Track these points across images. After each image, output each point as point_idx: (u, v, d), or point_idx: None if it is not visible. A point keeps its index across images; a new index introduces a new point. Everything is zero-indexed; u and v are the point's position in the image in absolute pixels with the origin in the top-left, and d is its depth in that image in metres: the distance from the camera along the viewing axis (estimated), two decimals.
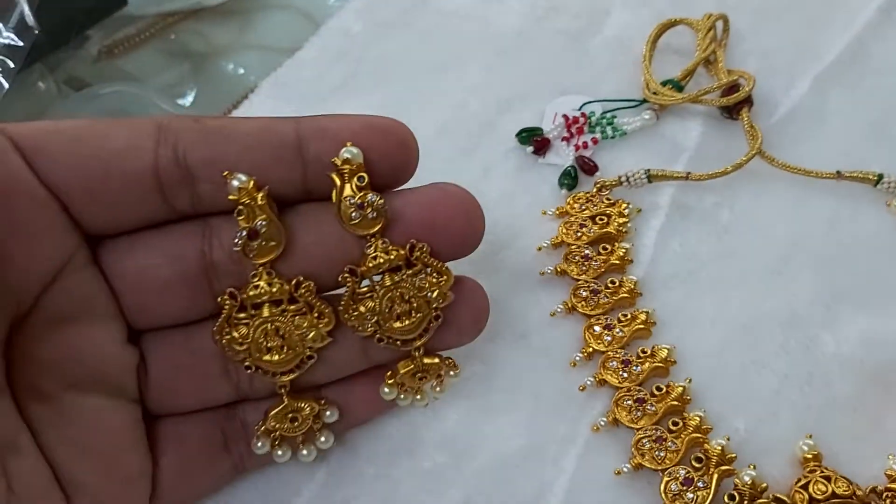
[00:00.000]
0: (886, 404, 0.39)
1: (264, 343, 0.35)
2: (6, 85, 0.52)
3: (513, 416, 0.40)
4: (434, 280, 0.35)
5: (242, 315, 0.34)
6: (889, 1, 0.54)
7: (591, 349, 0.41)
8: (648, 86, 0.49)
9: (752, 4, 0.55)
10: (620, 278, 0.43)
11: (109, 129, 0.32)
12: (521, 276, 0.44)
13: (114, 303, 0.34)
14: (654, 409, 0.38)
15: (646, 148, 0.49)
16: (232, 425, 0.37)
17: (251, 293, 0.34)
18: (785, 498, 0.36)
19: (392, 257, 0.34)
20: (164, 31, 0.64)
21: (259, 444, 0.36)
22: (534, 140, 0.49)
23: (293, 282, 0.34)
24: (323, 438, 0.38)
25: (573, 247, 0.44)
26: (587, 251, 0.44)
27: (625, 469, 0.37)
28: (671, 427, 0.38)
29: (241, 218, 0.33)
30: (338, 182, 0.34)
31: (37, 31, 0.53)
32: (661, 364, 0.40)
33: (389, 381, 0.37)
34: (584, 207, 0.46)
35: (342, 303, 0.35)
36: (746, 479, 0.36)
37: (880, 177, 0.45)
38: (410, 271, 0.35)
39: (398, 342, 0.36)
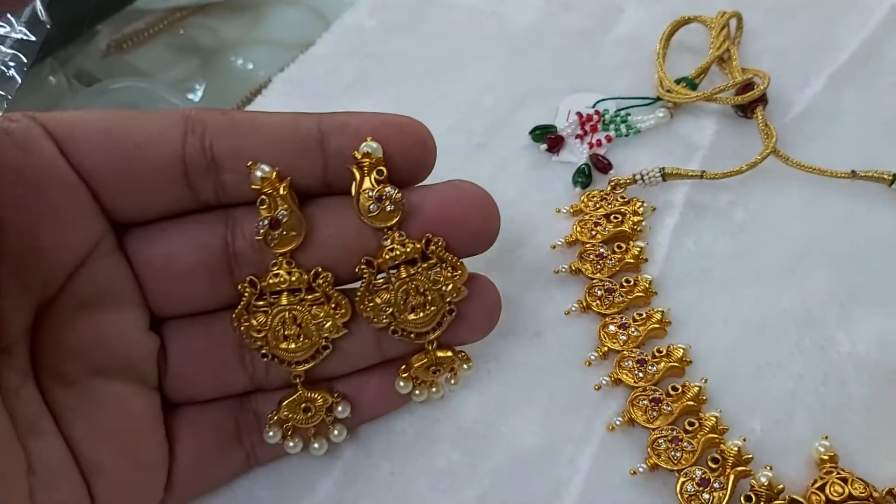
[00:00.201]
0: None
1: (281, 331, 0.35)
2: (19, 79, 0.52)
3: (528, 415, 0.40)
4: (449, 274, 0.36)
5: (261, 303, 0.35)
6: None
7: (606, 348, 0.41)
8: (662, 83, 0.49)
9: (767, 2, 0.55)
10: (635, 277, 0.43)
11: (138, 118, 0.33)
12: (535, 274, 0.44)
13: (138, 289, 0.35)
14: (669, 409, 0.38)
15: (660, 146, 0.49)
16: (246, 416, 0.37)
17: (271, 281, 0.35)
18: (801, 499, 0.36)
19: (408, 250, 0.35)
20: (173, 26, 0.64)
21: (271, 433, 0.37)
22: (547, 138, 0.49)
23: (312, 272, 0.35)
24: (336, 432, 0.38)
25: (588, 245, 0.44)
26: (602, 249, 0.44)
27: (640, 469, 0.37)
28: (687, 427, 0.38)
29: (263, 207, 0.34)
30: (357, 175, 0.34)
31: (49, 26, 0.53)
32: (676, 364, 0.40)
33: (404, 375, 0.38)
34: (598, 206, 0.45)
35: (358, 293, 0.36)
36: (763, 480, 0.36)
37: (895, 176, 0.45)
38: (426, 264, 0.36)
39: (412, 335, 0.37)
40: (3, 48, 0.52)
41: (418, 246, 0.35)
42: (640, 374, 0.40)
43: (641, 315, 0.42)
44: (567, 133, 0.49)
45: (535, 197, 0.47)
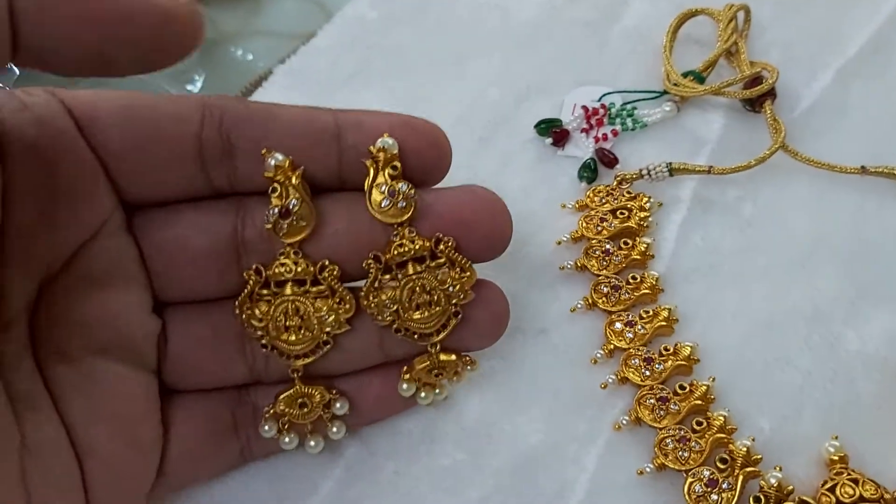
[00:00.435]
0: None
1: (283, 322, 0.35)
2: (17, 71, 0.51)
3: (532, 414, 0.39)
4: (456, 275, 0.35)
5: (265, 292, 0.35)
6: None
7: (612, 346, 0.40)
8: (669, 77, 0.49)
9: None
10: (642, 273, 0.42)
11: (158, 100, 0.33)
12: (540, 271, 0.44)
13: (143, 271, 0.34)
14: (677, 408, 0.38)
15: (666, 140, 0.48)
16: (243, 409, 0.37)
17: (276, 270, 0.34)
18: (811, 501, 0.35)
19: (417, 246, 0.35)
20: None
21: (266, 427, 0.36)
22: (553, 132, 0.48)
23: (318, 264, 0.35)
24: (335, 429, 0.37)
25: (593, 241, 0.43)
26: (608, 246, 0.43)
27: (647, 469, 0.37)
28: (695, 427, 0.37)
29: (274, 195, 0.34)
30: (371, 169, 0.34)
31: None
32: (684, 362, 0.39)
33: (406, 377, 0.37)
34: (604, 201, 0.45)
35: (363, 289, 0.35)
36: (773, 481, 0.35)
37: None
38: (434, 263, 0.35)
39: (415, 335, 0.36)
40: None
41: (427, 244, 0.35)
42: (647, 373, 0.39)
43: (648, 312, 0.41)
44: (572, 127, 0.48)
45: (540, 192, 0.47)
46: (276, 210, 0.34)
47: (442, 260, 0.35)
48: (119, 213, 0.34)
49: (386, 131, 0.34)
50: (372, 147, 0.34)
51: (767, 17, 0.53)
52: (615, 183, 0.46)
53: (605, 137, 0.48)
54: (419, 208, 0.35)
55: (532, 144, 0.49)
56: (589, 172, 0.46)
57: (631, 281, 0.42)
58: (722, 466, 0.36)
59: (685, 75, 0.49)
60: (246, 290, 0.35)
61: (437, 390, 0.38)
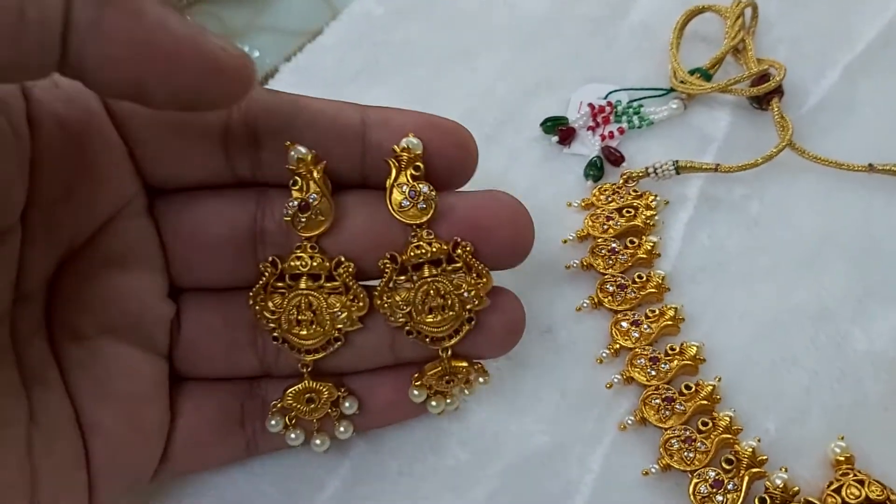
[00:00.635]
0: None
1: (295, 316, 0.35)
2: None
3: (538, 413, 0.39)
4: (472, 280, 0.35)
5: (280, 284, 0.35)
6: None
7: (618, 346, 0.40)
8: (676, 74, 0.49)
9: None
10: (648, 273, 0.42)
11: None
12: (546, 270, 0.43)
13: (161, 255, 0.35)
14: (682, 408, 0.38)
15: (673, 138, 0.48)
16: (252, 402, 0.37)
17: (292, 263, 0.34)
18: (817, 502, 0.35)
19: (434, 249, 0.34)
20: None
21: (273, 421, 0.36)
22: (559, 130, 0.48)
23: (334, 260, 0.34)
24: (342, 429, 0.37)
25: (599, 240, 0.43)
26: (614, 244, 0.43)
27: (653, 469, 0.37)
28: (700, 427, 0.37)
29: (295, 188, 0.34)
30: (393, 169, 0.34)
31: None
32: (690, 362, 0.39)
33: (417, 383, 0.37)
34: (610, 199, 0.45)
35: (378, 288, 0.35)
36: (778, 482, 0.35)
37: None
38: (450, 267, 0.35)
39: (427, 338, 0.36)
40: None
41: (445, 247, 0.34)
42: (653, 373, 0.39)
43: (654, 312, 0.41)
44: (579, 125, 0.48)
45: (547, 190, 0.47)
46: (296, 203, 0.34)
47: (459, 264, 0.35)
48: (141, 196, 0.34)
49: (412, 131, 0.34)
50: (396, 146, 0.34)
51: (775, 13, 0.52)
52: (621, 181, 0.46)
53: (611, 135, 0.48)
54: (440, 210, 0.34)
55: (538, 142, 0.49)
56: (595, 170, 0.46)
57: (637, 280, 0.42)
58: (727, 467, 0.36)
59: (692, 72, 0.48)
60: (261, 282, 0.35)
61: (449, 399, 0.38)
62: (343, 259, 0.34)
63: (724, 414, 0.38)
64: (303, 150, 0.33)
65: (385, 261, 0.35)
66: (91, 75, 0.26)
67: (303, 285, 0.35)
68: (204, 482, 0.38)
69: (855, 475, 0.35)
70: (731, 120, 0.48)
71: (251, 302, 0.35)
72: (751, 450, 0.36)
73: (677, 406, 0.38)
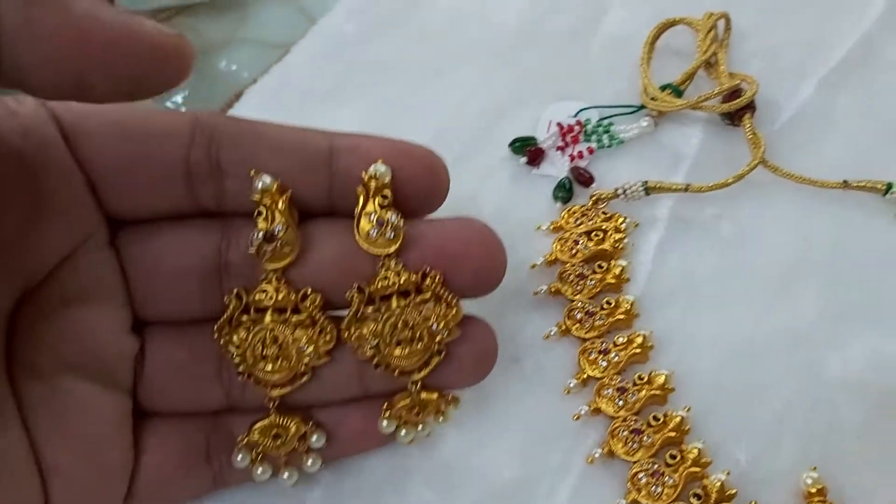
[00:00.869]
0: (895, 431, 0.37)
1: (261, 350, 0.34)
2: None
3: (504, 446, 0.38)
4: (441, 312, 0.34)
5: (245, 318, 0.34)
6: None
7: (585, 375, 0.39)
8: (647, 91, 0.48)
9: (756, 1, 0.52)
10: (616, 298, 0.41)
11: (149, 115, 0.33)
12: (514, 296, 0.42)
13: (124, 288, 0.34)
14: (650, 440, 0.37)
15: (644, 156, 0.47)
16: (218, 435, 0.36)
17: (257, 297, 0.34)
18: None
19: (402, 280, 0.34)
20: None
21: (239, 457, 0.36)
22: (527, 151, 0.47)
23: (300, 292, 0.34)
24: (310, 462, 0.37)
25: (568, 265, 0.42)
26: (582, 269, 0.42)
27: None
28: (668, 461, 0.36)
29: (260, 219, 0.33)
30: (361, 197, 0.33)
31: None
32: (658, 392, 0.38)
33: (387, 414, 0.36)
34: (579, 222, 0.44)
35: (345, 320, 0.34)
36: None
37: (889, 186, 0.43)
38: (419, 298, 0.34)
39: (396, 371, 0.35)
40: None
41: (413, 278, 0.34)
42: (621, 403, 0.38)
43: (622, 339, 0.40)
44: (548, 145, 0.47)
45: (515, 213, 0.46)
46: (261, 234, 0.33)
47: (427, 295, 0.34)
48: (103, 229, 0.33)
49: (381, 157, 0.33)
50: (364, 173, 0.33)
51: (749, 24, 0.51)
52: (590, 203, 0.45)
53: (580, 155, 0.47)
54: (409, 239, 0.34)
55: (508, 162, 0.48)
56: (564, 192, 0.45)
57: (605, 306, 0.41)
58: (695, 502, 0.35)
59: (663, 88, 0.47)
60: (225, 315, 0.34)
61: (420, 427, 0.37)
62: (309, 291, 0.34)
63: (693, 446, 0.37)
64: (267, 179, 0.32)
65: (352, 292, 0.34)
66: (29, 79, 0.25)
67: (268, 319, 0.34)
68: None
69: None
70: (702, 137, 0.47)
71: (216, 335, 0.34)
72: (719, 483, 0.35)
73: (645, 438, 0.37)
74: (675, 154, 0.47)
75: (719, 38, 0.49)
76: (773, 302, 0.41)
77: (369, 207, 0.33)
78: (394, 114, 0.50)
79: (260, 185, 0.32)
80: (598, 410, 0.38)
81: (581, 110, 0.48)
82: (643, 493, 0.36)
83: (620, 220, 0.43)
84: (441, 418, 0.37)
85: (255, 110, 0.51)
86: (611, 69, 0.51)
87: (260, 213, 0.33)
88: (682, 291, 0.42)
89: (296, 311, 0.34)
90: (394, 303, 0.34)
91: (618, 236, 0.43)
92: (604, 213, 0.44)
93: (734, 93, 0.46)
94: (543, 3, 0.55)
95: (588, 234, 0.43)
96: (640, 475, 0.36)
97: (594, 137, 0.47)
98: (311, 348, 0.34)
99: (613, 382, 0.39)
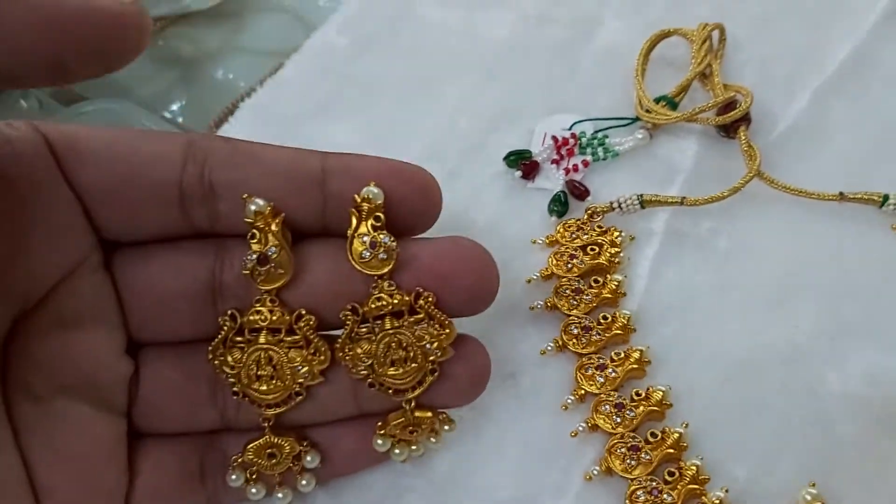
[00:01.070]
0: (895, 447, 0.37)
1: (255, 371, 0.34)
2: None
3: (501, 465, 0.38)
4: (435, 332, 0.34)
5: (239, 339, 0.34)
6: (895, 5, 0.51)
7: (582, 391, 0.39)
8: (641, 103, 0.47)
9: (751, 11, 0.52)
10: (613, 313, 0.41)
11: (142, 138, 0.33)
12: (509, 311, 0.42)
13: (118, 311, 0.34)
14: (649, 457, 0.37)
15: (639, 170, 0.47)
16: (212, 456, 0.36)
17: (251, 318, 0.34)
18: None
19: (395, 301, 0.34)
20: (153, 36, 0.63)
21: (234, 476, 0.36)
22: (522, 164, 0.47)
23: (294, 313, 0.34)
24: (304, 482, 0.37)
25: (564, 279, 0.42)
26: (578, 284, 0.42)
27: None
28: (667, 478, 0.36)
29: (253, 241, 0.33)
30: (354, 219, 0.34)
31: None
32: (656, 408, 0.38)
33: (381, 432, 0.36)
34: (574, 236, 0.44)
35: (339, 341, 0.34)
36: None
37: (886, 197, 0.43)
38: (412, 319, 0.34)
39: (390, 390, 0.35)
40: None
41: (407, 299, 0.34)
42: (618, 420, 0.38)
43: (619, 354, 0.40)
44: (542, 158, 0.47)
45: (510, 227, 0.45)
46: (255, 256, 0.33)
47: (421, 315, 0.34)
48: (97, 252, 0.33)
49: (374, 178, 0.33)
50: (357, 196, 0.33)
51: (743, 35, 0.51)
52: (586, 216, 0.44)
53: (575, 168, 0.47)
54: (402, 260, 0.34)
55: (502, 176, 0.47)
56: (559, 206, 0.45)
57: (602, 321, 0.41)
58: None
59: (658, 100, 0.47)
60: (220, 337, 0.34)
61: (414, 446, 0.37)
62: (304, 312, 0.34)
63: (691, 463, 0.36)
64: (260, 202, 0.32)
65: (346, 313, 0.34)
66: (7, 71, 0.25)
67: (262, 340, 0.34)
68: None
69: None
70: (697, 149, 0.47)
71: (210, 357, 0.34)
72: (718, 501, 0.35)
73: (643, 455, 0.37)
74: (671, 167, 0.46)
75: (714, 50, 0.49)
76: (770, 316, 0.41)
77: (362, 229, 0.34)
78: (386, 128, 0.50)
79: (253, 208, 0.33)
80: (595, 427, 0.38)
81: (575, 123, 0.48)
82: None
83: (616, 233, 0.43)
84: (435, 438, 0.37)
85: (248, 125, 0.51)
86: (604, 81, 0.51)
87: (253, 236, 0.33)
88: (679, 306, 0.42)
89: (290, 331, 0.34)
90: (387, 323, 0.34)
91: (614, 250, 0.42)
92: (599, 226, 0.44)
93: (729, 105, 0.46)
94: (535, 15, 0.54)
95: (584, 248, 0.43)
96: (639, 493, 0.36)
97: (589, 150, 0.47)
98: (305, 368, 0.34)
99: (611, 398, 0.38)
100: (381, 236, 0.33)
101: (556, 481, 0.38)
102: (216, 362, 0.34)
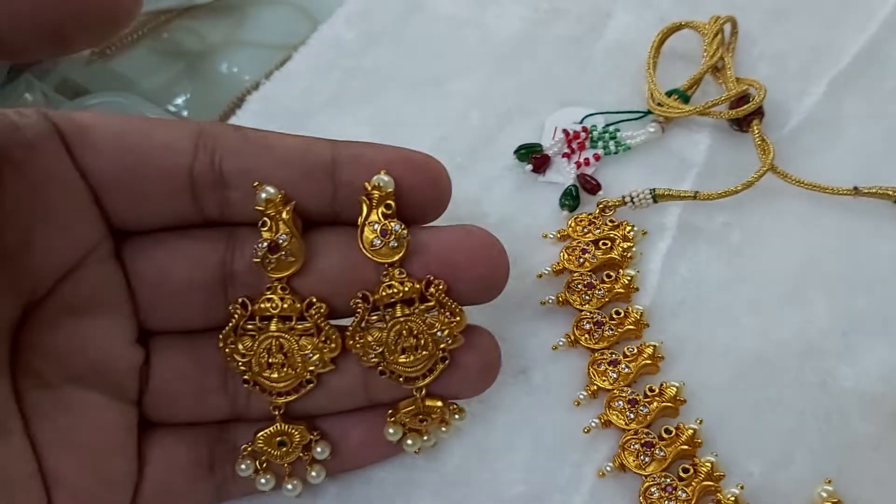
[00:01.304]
0: None
1: (266, 358, 0.34)
2: None
3: (512, 461, 0.38)
4: (445, 319, 0.34)
5: (250, 326, 0.34)
6: None
7: (595, 387, 0.39)
8: (653, 96, 0.47)
9: (763, 4, 0.52)
10: (626, 308, 0.41)
11: (153, 126, 0.33)
12: (521, 306, 0.42)
13: (129, 300, 0.34)
14: (663, 453, 0.36)
15: (651, 163, 0.46)
16: (221, 446, 0.36)
17: (262, 305, 0.34)
18: None
19: (406, 289, 0.34)
20: (157, 30, 0.63)
21: (243, 466, 0.36)
22: (533, 157, 0.46)
23: (305, 301, 0.34)
24: (314, 473, 0.36)
25: (575, 274, 0.42)
26: (590, 279, 0.41)
27: None
28: (681, 474, 0.36)
29: (264, 229, 0.33)
30: (365, 207, 0.34)
31: None
32: (670, 404, 0.38)
33: (391, 420, 0.36)
34: (586, 230, 0.43)
35: (349, 328, 0.34)
36: None
37: None
38: (423, 306, 0.34)
39: (401, 378, 0.35)
40: None
41: (417, 286, 0.34)
42: (632, 416, 0.38)
43: (632, 350, 0.39)
44: (553, 152, 0.47)
45: (521, 221, 0.45)
46: (265, 244, 0.33)
47: (431, 303, 0.34)
48: (108, 240, 0.33)
49: (384, 167, 0.33)
50: (367, 184, 0.33)
51: (755, 28, 0.50)
52: (598, 211, 0.44)
53: (587, 162, 0.46)
54: (412, 247, 0.34)
55: (512, 171, 0.47)
56: (570, 200, 0.45)
57: (615, 316, 0.40)
58: None
59: (669, 94, 0.47)
60: (230, 324, 0.34)
61: (426, 437, 0.37)
62: (314, 300, 0.34)
63: (706, 459, 0.36)
64: (271, 190, 0.32)
65: (357, 300, 0.34)
66: (9, 44, 0.25)
67: (273, 327, 0.34)
68: None
69: None
70: (710, 143, 0.47)
71: (221, 345, 0.34)
72: (733, 498, 0.35)
73: (657, 451, 0.36)
74: (683, 161, 0.46)
75: (726, 43, 0.49)
76: (784, 312, 0.41)
77: (373, 217, 0.34)
78: (395, 122, 0.50)
79: (264, 196, 0.32)
80: (608, 423, 0.38)
81: (587, 116, 0.48)
82: None
83: (628, 228, 0.43)
84: (445, 428, 0.37)
85: (256, 117, 0.51)
86: (615, 75, 0.50)
87: (264, 224, 0.33)
88: (692, 301, 0.42)
89: (301, 319, 0.34)
90: (398, 311, 0.34)
91: (626, 245, 0.42)
92: (611, 221, 0.43)
93: (742, 98, 0.45)
94: (546, 8, 0.54)
95: (596, 242, 0.42)
96: (653, 489, 0.36)
97: (600, 144, 0.47)
98: (316, 356, 0.34)
99: (624, 394, 0.38)
100: (393, 224, 0.33)
101: (568, 478, 0.37)
102: (227, 350, 0.34)
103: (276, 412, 0.35)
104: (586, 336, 0.40)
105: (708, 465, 0.36)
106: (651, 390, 0.38)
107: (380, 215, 0.33)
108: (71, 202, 0.32)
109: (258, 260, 0.33)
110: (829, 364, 0.39)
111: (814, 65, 0.49)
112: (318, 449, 0.36)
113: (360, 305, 0.34)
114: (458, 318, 0.34)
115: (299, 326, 0.34)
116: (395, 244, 0.33)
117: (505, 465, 0.38)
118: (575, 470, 0.37)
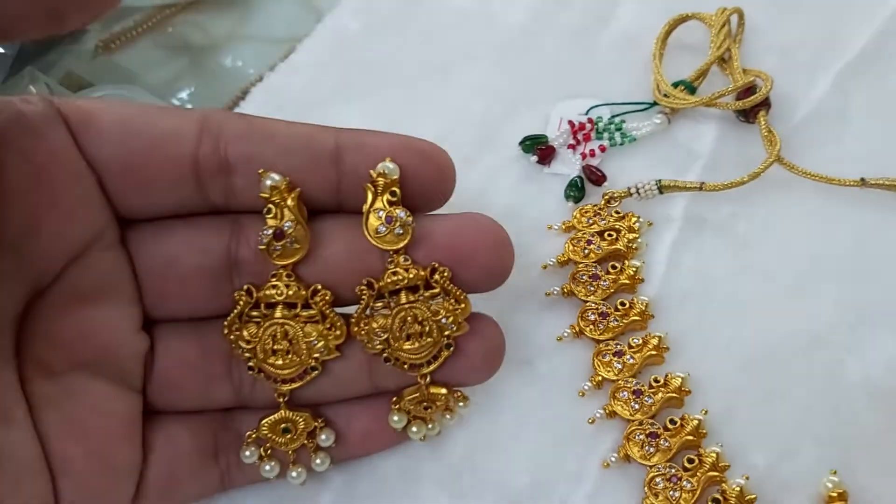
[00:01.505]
0: None
1: (271, 345, 0.34)
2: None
3: (517, 452, 0.38)
4: (450, 306, 0.34)
5: (255, 313, 0.34)
6: None
7: (600, 378, 0.39)
8: (659, 87, 0.47)
9: None
10: (631, 299, 0.40)
11: (157, 113, 0.33)
12: (526, 297, 0.42)
13: (134, 287, 0.34)
14: (667, 444, 0.36)
15: (657, 155, 0.46)
16: (226, 434, 0.36)
17: (267, 292, 0.34)
18: None
19: (411, 275, 0.34)
20: (162, 24, 0.63)
21: (248, 452, 0.36)
22: (538, 148, 0.46)
23: (310, 288, 0.34)
24: (319, 461, 0.36)
25: (580, 265, 0.42)
26: (595, 270, 0.41)
27: None
28: (686, 465, 0.36)
29: (269, 216, 0.33)
30: (370, 194, 0.34)
31: None
32: (674, 394, 0.37)
33: (396, 407, 0.36)
34: (591, 221, 0.43)
35: (354, 315, 0.34)
36: None
37: None
38: (428, 293, 0.34)
39: (405, 365, 0.35)
40: None
41: (422, 273, 0.34)
42: (636, 406, 0.37)
43: (637, 341, 0.39)
44: (559, 143, 0.46)
45: (526, 212, 0.45)
46: (270, 231, 0.33)
47: (436, 290, 0.34)
48: (113, 228, 0.33)
49: (388, 154, 0.33)
50: (372, 171, 0.33)
51: (762, 20, 0.50)
52: (603, 202, 0.44)
53: (592, 153, 0.46)
54: (417, 235, 0.34)
55: (517, 162, 0.47)
56: (576, 191, 0.44)
57: (619, 307, 0.40)
58: None
59: (676, 85, 0.47)
60: (235, 311, 0.34)
61: (430, 424, 0.37)
62: (319, 287, 0.34)
63: (711, 450, 0.36)
64: (276, 177, 0.32)
65: (362, 287, 0.34)
66: (8, 21, 0.25)
67: (278, 314, 0.34)
68: None
69: None
70: (717, 134, 0.46)
71: (226, 331, 0.34)
72: (738, 489, 0.35)
73: (662, 442, 0.36)
74: (689, 152, 0.46)
75: (732, 34, 0.48)
76: (790, 304, 0.41)
77: (378, 204, 0.33)
78: (400, 113, 0.49)
79: (269, 183, 0.32)
80: (613, 414, 0.38)
81: (592, 107, 0.48)
82: (660, 498, 0.35)
83: (634, 219, 0.43)
84: (450, 415, 0.37)
85: (261, 108, 0.51)
86: (621, 66, 0.50)
87: (269, 211, 0.33)
88: (698, 292, 0.41)
89: (306, 306, 0.34)
90: (403, 298, 0.34)
91: (631, 236, 0.42)
92: (617, 212, 0.43)
93: (749, 89, 0.45)
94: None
95: (601, 233, 0.42)
96: (658, 480, 0.36)
97: (606, 135, 0.47)
98: (321, 343, 0.34)
99: (629, 385, 0.38)
100: (398, 211, 0.33)
101: (573, 468, 0.37)
102: (231, 337, 0.34)
103: (281, 399, 0.35)
104: (591, 327, 0.40)
105: (713, 455, 0.36)
106: (656, 381, 0.38)
107: (385, 202, 0.33)
108: (76, 188, 0.32)
109: (263, 247, 0.33)
110: (836, 356, 0.39)
111: (821, 56, 0.49)
112: (323, 436, 0.36)
113: (364, 292, 0.34)
114: (462, 305, 0.34)
115: (304, 313, 0.34)
116: (401, 231, 0.33)
117: (510, 457, 0.38)
118: (580, 460, 0.37)
